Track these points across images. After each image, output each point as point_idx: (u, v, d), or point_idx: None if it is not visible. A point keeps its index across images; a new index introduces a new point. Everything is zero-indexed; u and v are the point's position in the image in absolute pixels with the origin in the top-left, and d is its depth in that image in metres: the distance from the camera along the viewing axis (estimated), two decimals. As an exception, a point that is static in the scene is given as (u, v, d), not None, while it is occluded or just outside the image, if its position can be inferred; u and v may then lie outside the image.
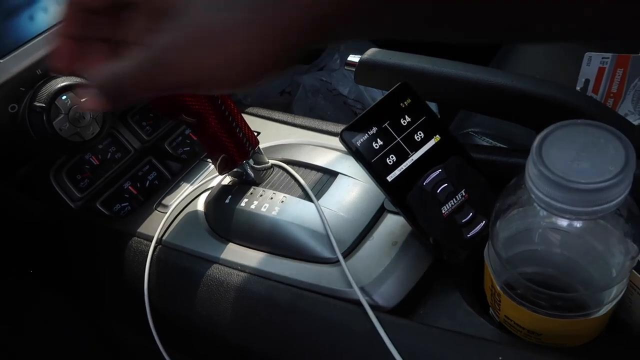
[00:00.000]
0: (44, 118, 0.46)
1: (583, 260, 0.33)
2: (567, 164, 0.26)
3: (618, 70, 0.53)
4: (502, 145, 0.61)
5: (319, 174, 0.48)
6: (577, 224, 0.30)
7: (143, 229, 0.53)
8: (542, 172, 0.26)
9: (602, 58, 0.53)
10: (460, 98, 0.47)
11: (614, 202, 0.26)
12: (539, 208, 0.29)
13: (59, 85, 0.47)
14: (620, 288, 0.33)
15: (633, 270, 0.33)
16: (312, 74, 1.04)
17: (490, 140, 0.63)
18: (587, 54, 0.53)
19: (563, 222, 0.30)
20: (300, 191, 0.47)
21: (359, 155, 0.40)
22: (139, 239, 0.52)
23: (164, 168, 0.61)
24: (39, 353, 0.64)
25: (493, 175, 0.41)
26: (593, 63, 0.53)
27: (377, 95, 0.98)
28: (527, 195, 0.31)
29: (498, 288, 0.35)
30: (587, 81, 0.55)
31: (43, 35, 0.48)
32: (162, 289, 0.48)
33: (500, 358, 0.32)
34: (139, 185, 0.60)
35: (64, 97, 0.47)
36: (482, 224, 0.40)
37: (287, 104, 1.05)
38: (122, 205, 0.58)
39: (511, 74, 0.43)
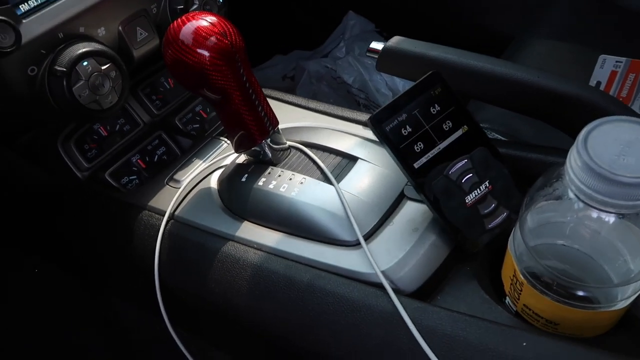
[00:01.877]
0: (64, 83, 0.45)
1: (603, 257, 0.34)
2: (612, 158, 0.27)
3: (630, 75, 0.55)
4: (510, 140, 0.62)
5: (338, 158, 0.49)
6: (608, 220, 0.31)
7: (154, 202, 0.52)
8: (587, 163, 0.27)
9: (616, 62, 0.54)
10: (483, 91, 0.48)
11: (654, 198, 0.27)
12: (574, 201, 0.30)
13: (80, 51, 0.46)
14: (638, 286, 0.34)
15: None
16: (316, 60, 1.04)
17: (498, 136, 0.64)
18: (602, 56, 0.54)
19: (594, 217, 0.31)
20: (319, 174, 0.47)
21: (388, 140, 0.40)
22: (149, 213, 0.51)
23: (174, 144, 0.61)
24: (37, 329, 0.63)
25: (515, 170, 0.42)
26: (606, 66, 0.55)
27: (381, 86, 0.98)
28: (561, 188, 0.31)
29: (521, 276, 0.35)
30: (598, 83, 0.56)
31: (66, -2, 0.47)
32: (173, 264, 0.48)
33: (524, 344, 0.33)
34: (147, 159, 0.59)
35: (85, 63, 0.46)
36: (503, 215, 0.41)
37: (289, 89, 1.04)
38: (130, 178, 0.57)
39: (536, 70, 0.44)
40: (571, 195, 0.29)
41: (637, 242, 0.32)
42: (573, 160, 0.28)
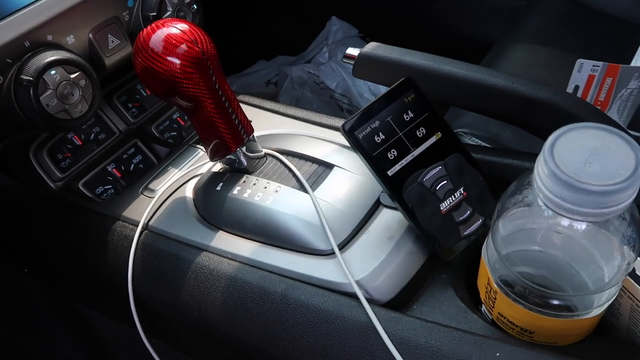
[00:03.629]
0: (31, 92, 0.44)
1: (578, 263, 0.33)
2: (579, 166, 0.26)
3: (607, 79, 0.55)
4: (488, 146, 0.62)
5: (314, 166, 0.48)
6: (579, 227, 0.31)
7: (128, 213, 0.51)
8: (554, 171, 0.27)
9: (593, 66, 0.54)
10: (459, 96, 0.47)
11: (621, 205, 0.27)
12: (544, 208, 0.30)
13: (47, 60, 0.45)
14: (612, 292, 0.34)
15: (627, 276, 0.34)
16: (299, 66, 1.04)
17: (478, 141, 0.64)
18: (579, 61, 0.54)
19: (565, 224, 0.31)
20: (294, 182, 0.47)
21: (361, 148, 0.39)
22: (123, 223, 0.50)
23: (150, 152, 0.60)
24: (10, 339, 0.62)
25: (490, 175, 0.41)
26: (584, 70, 0.55)
27: (364, 91, 0.98)
28: (531, 195, 0.31)
29: (494, 285, 0.35)
30: (576, 87, 0.56)
31: (33, 6, 0.46)
32: (147, 275, 0.47)
33: (497, 354, 0.32)
34: (123, 168, 0.58)
35: (52, 72, 0.45)
36: (478, 222, 0.40)
37: (272, 95, 1.04)
38: (105, 187, 0.56)
39: (511, 76, 0.44)
40: (540, 202, 0.29)
41: (609, 248, 0.32)
42: (540, 167, 0.28)
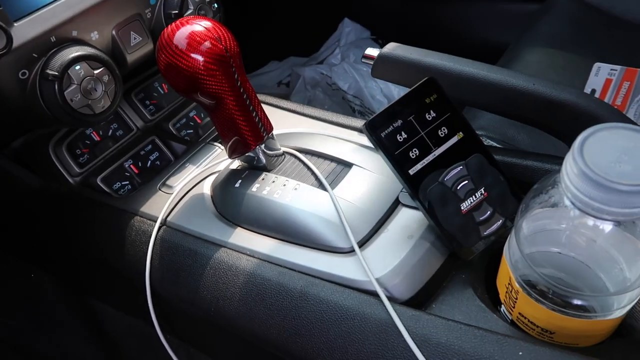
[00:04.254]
0: (56, 87, 0.45)
1: (599, 266, 0.33)
2: (609, 165, 0.27)
3: (624, 83, 0.55)
4: (508, 148, 0.62)
5: (333, 164, 0.48)
6: (605, 229, 0.31)
7: (146, 208, 0.51)
8: (583, 170, 0.27)
9: (611, 69, 0.54)
10: (478, 97, 0.47)
11: (651, 206, 0.27)
12: (570, 208, 0.30)
13: (72, 55, 0.45)
14: (634, 295, 0.34)
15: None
16: (312, 67, 1.04)
17: (494, 143, 0.64)
18: (597, 64, 0.54)
19: (590, 224, 0.31)
20: (313, 180, 0.47)
21: (383, 146, 0.40)
22: (141, 219, 0.51)
23: (167, 149, 0.60)
24: (24, 333, 0.62)
25: (510, 177, 0.41)
26: (601, 74, 0.55)
27: (376, 93, 0.98)
28: (557, 195, 0.31)
29: (516, 284, 0.35)
30: (593, 91, 0.56)
31: (59, 2, 0.46)
32: (165, 270, 0.47)
33: (520, 353, 0.32)
34: (140, 164, 0.59)
35: (77, 67, 0.46)
36: (499, 222, 0.40)
37: (284, 95, 1.04)
38: (123, 183, 0.57)
39: (533, 77, 0.44)
40: (567, 202, 0.29)
41: (633, 250, 0.32)
42: (569, 167, 0.28)
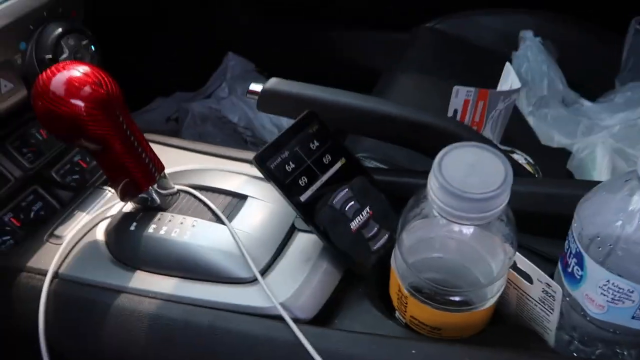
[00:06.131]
0: None
1: (471, 263, 0.39)
2: (462, 179, 0.31)
3: (480, 103, 0.63)
4: (386, 167, 0.68)
5: (228, 198, 0.50)
6: (468, 231, 0.36)
7: (34, 262, 0.49)
8: (443, 185, 0.31)
9: (467, 91, 0.62)
10: (355, 125, 0.52)
11: (498, 209, 0.32)
12: (439, 217, 0.34)
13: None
14: (500, 284, 0.39)
15: (510, 269, 0.40)
16: (200, 101, 1.05)
17: (377, 163, 0.70)
18: (455, 87, 0.62)
19: (456, 229, 0.36)
20: (210, 215, 0.48)
21: (273, 177, 0.42)
22: (29, 274, 0.48)
23: (52, 197, 0.58)
24: None
25: (390, 194, 0.46)
26: (460, 95, 0.62)
27: (265, 123, 1.01)
28: (428, 207, 0.36)
29: (405, 291, 0.39)
30: (455, 111, 0.64)
31: None
32: (63, 325, 0.45)
33: (413, 351, 0.36)
34: (22, 216, 0.55)
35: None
36: (385, 237, 0.44)
37: (174, 132, 1.04)
38: (4, 238, 0.53)
39: (399, 105, 0.50)
40: (435, 213, 0.33)
41: (492, 245, 0.38)
42: (432, 182, 0.32)
